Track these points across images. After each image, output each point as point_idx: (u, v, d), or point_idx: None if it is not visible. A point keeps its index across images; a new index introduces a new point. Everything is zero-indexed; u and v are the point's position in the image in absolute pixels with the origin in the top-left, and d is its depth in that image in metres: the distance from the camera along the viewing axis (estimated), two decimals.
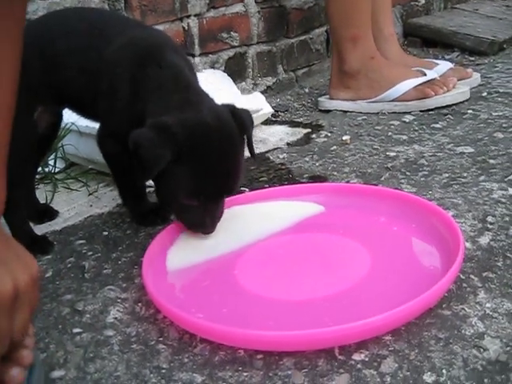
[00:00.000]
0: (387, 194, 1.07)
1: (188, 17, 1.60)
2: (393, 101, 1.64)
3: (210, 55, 1.68)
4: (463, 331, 0.78)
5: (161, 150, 0.88)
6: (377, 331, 0.75)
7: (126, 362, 0.77)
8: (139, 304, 0.89)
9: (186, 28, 1.61)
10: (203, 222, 0.96)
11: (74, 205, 1.26)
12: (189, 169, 0.90)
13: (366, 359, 0.74)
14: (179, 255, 0.98)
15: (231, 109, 0.96)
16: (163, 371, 0.75)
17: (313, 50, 2.00)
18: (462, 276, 0.89)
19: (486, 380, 0.69)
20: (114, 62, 0.98)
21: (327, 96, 1.76)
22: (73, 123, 1.30)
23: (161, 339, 0.81)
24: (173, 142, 0.88)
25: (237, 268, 0.93)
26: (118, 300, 0.90)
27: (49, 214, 1.20)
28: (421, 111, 1.62)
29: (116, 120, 1.00)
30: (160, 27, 1.52)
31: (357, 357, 0.74)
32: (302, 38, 1.95)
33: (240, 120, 0.96)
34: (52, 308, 0.89)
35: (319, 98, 1.77)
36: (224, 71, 1.68)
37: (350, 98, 1.68)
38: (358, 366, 0.72)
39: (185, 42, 1.61)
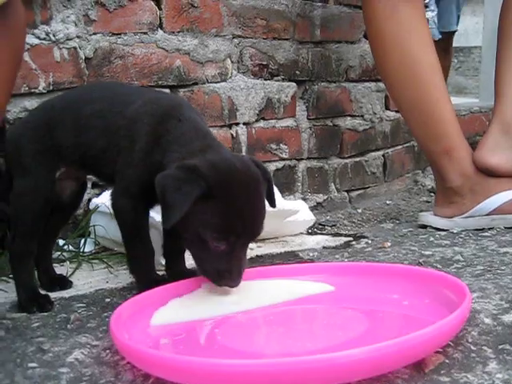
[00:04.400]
0: (401, 272, 0.97)
1: (237, 124, 1.67)
2: (490, 214, 1.47)
3: None
4: None
5: (189, 187, 0.87)
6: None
7: None
8: (107, 351, 0.82)
9: (234, 135, 1.66)
10: (230, 271, 0.91)
11: (91, 279, 1.24)
12: (219, 205, 0.88)
13: None
14: (166, 313, 0.91)
15: (252, 158, 0.99)
16: None
17: (368, 172, 1.99)
18: (472, 347, 0.76)
19: None
20: (133, 118, 1.02)
21: (430, 212, 1.59)
22: (104, 204, 1.33)
23: (112, 380, 0.74)
24: (202, 178, 0.88)
25: (220, 327, 0.86)
26: (88, 345, 0.84)
27: (62, 283, 1.18)
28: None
29: (132, 173, 1.01)
30: None
31: None
32: (357, 159, 1.95)
33: (261, 167, 0.97)
34: (19, 346, 0.84)
35: (419, 213, 1.64)
36: None
37: (454, 214, 1.51)
38: None
39: (232, 149, 1.65)
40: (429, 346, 0.68)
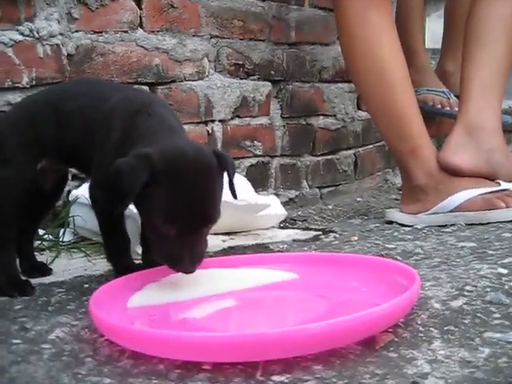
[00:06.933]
0: (360, 261, 1.05)
1: (212, 121, 1.73)
2: (452, 211, 1.54)
3: None
4: (404, 370, 0.72)
5: (138, 173, 0.92)
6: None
7: (48, 368, 0.76)
8: (86, 329, 0.88)
9: (210, 132, 1.73)
10: (181, 256, 0.93)
11: (70, 267, 1.30)
12: (164, 191, 0.92)
13: (286, 381, 0.69)
14: (141, 297, 0.98)
15: (214, 149, 1.02)
16: (79, 376, 0.73)
17: (339, 170, 2.06)
18: (420, 328, 0.83)
19: None
20: (108, 114, 1.08)
21: (397, 209, 1.67)
22: (83, 195, 1.38)
23: (91, 354, 0.80)
24: (149, 165, 0.92)
25: (191, 310, 0.92)
26: (68, 325, 0.90)
27: (42, 270, 1.23)
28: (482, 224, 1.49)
29: (105, 166, 1.06)
30: (184, 127, 1.64)
31: (277, 378, 0.70)
32: (329, 157, 2.03)
33: (221, 158, 0.99)
34: (2, 325, 0.90)
35: (386, 210, 1.71)
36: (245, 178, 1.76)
37: (419, 211, 1.59)
38: None
39: (208, 145, 1.71)
40: (377, 324, 0.75)
